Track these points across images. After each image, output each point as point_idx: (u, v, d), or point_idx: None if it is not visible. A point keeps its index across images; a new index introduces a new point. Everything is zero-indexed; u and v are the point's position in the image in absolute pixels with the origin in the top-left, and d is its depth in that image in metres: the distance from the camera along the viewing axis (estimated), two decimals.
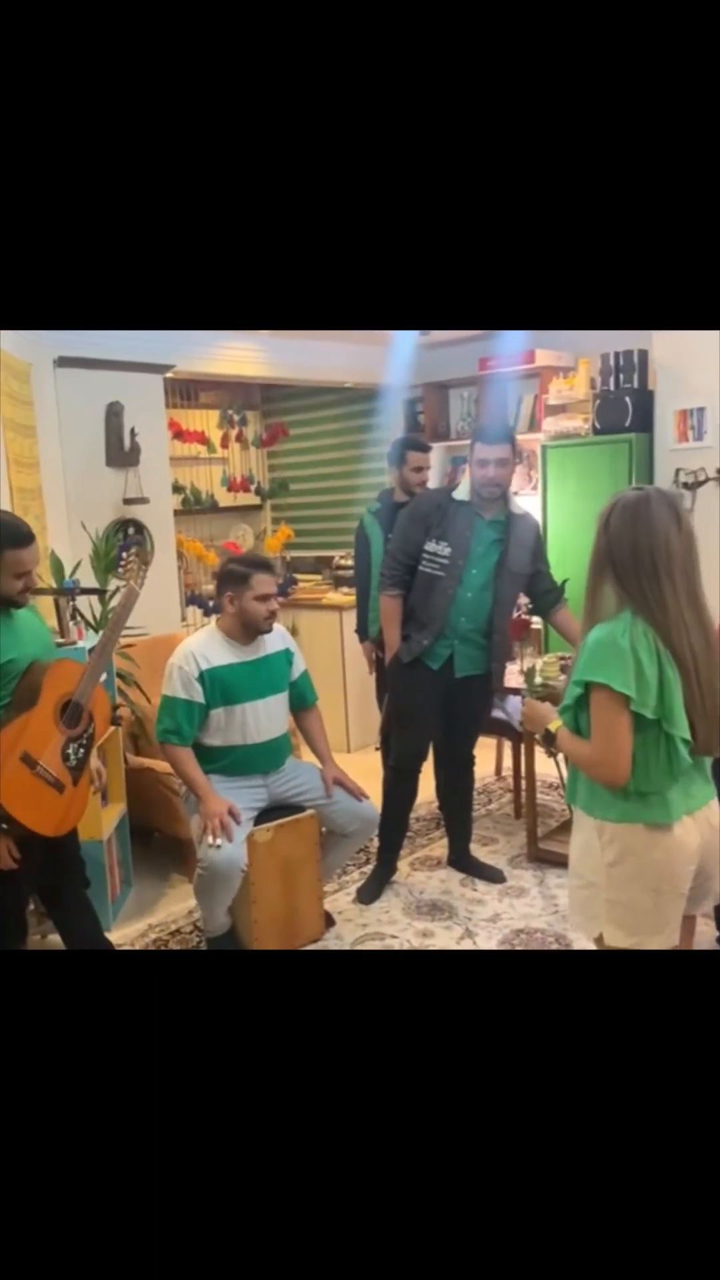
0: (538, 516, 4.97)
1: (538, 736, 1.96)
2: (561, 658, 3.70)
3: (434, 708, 3.31)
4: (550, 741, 1.90)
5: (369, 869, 3.55)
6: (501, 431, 3.15)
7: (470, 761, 3.57)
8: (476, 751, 3.59)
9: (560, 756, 1.93)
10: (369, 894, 3.41)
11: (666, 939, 1.82)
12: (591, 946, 1.97)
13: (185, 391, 5.71)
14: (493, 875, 3.50)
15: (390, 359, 5.38)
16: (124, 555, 2.63)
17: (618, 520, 1.79)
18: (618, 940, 1.84)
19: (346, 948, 3.05)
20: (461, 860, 3.60)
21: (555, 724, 1.89)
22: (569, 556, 4.73)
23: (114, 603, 2.77)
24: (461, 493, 3.17)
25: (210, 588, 5.62)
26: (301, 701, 3.12)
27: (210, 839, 2.72)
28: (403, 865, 3.65)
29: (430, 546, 3.16)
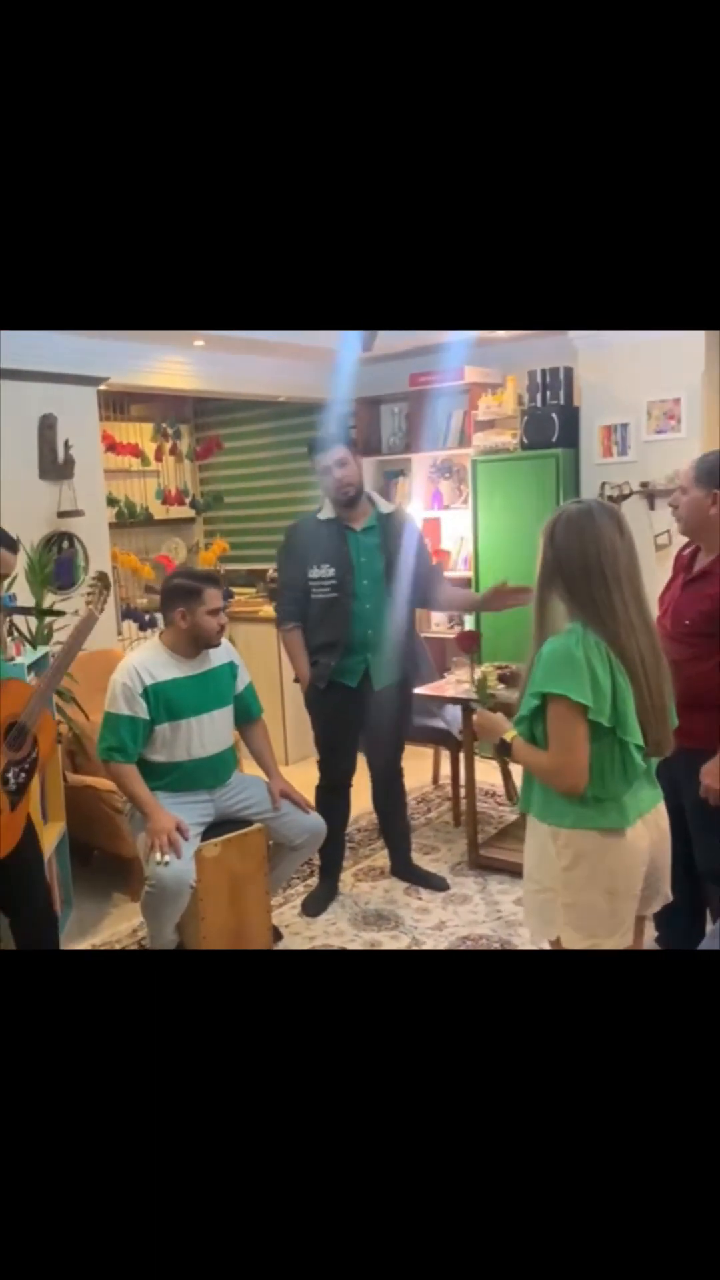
0: (467, 529, 5.09)
1: (484, 747, 1.99)
2: (499, 667, 3.75)
3: (357, 724, 3.32)
4: (505, 751, 1.92)
5: (313, 881, 3.54)
6: (330, 439, 3.24)
7: (399, 771, 3.58)
8: (414, 760, 3.62)
9: (509, 765, 1.97)
10: (315, 907, 3.40)
11: (622, 939, 1.86)
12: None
13: (117, 404, 5.63)
14: (436, 883, 3.51)
15: (323, 373, 5.39)
16: (92, 580, 2.60)
17: (564, 533, 1.83)
18: (575, 942, 1.87)
19: None
20: (404, 869, 3.61)
21: (510, 734, 1.91)
22: (499, 568, 4.81)
23: (61, 627, 2.70)
24: (326, 512, 3.23)
25: (144, 601, 5.54)
26: (247, 714, 3.10)
27: (159, 856, 2.67)
28: (346, 876, 3.65)
29: (314, 573, 3.19)
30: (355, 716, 3.29)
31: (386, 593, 3.20)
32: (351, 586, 3.16)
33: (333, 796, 3.38)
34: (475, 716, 2.06)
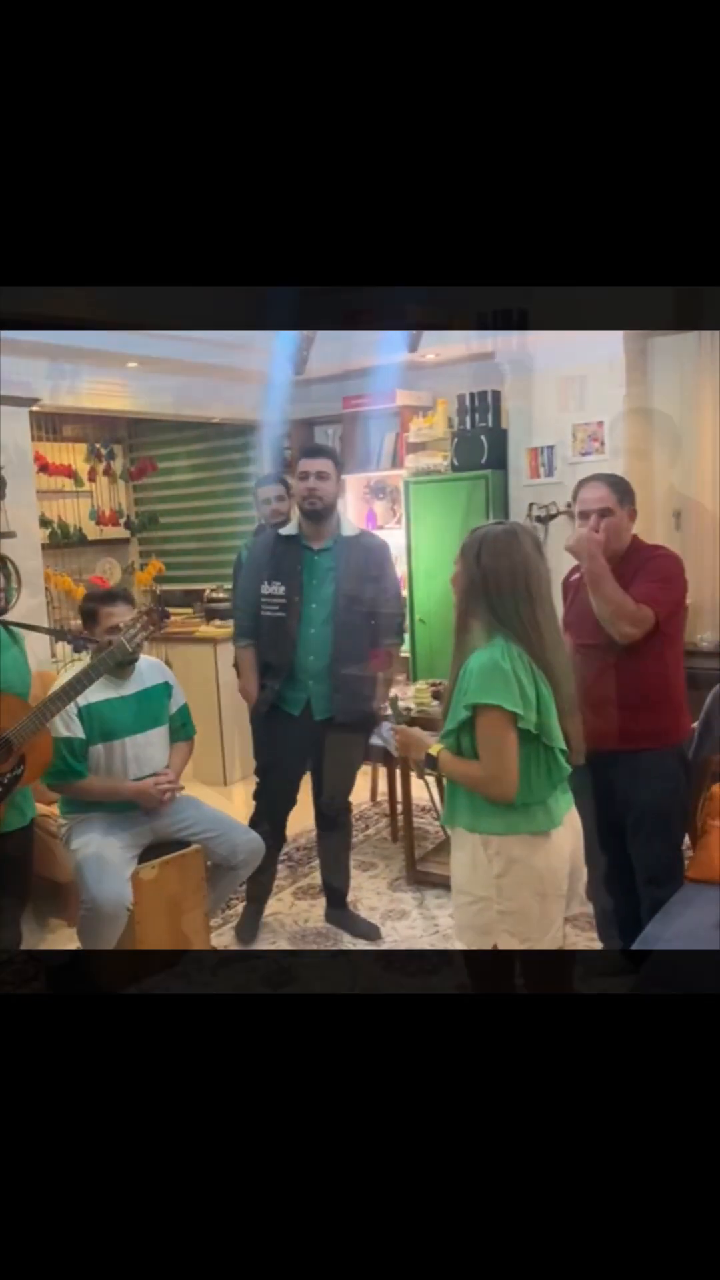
0: (400, 547, 5.11)
1: (414, 761, 2.00)
2: (433, 684, 3.77)
3: (298, 756, 3.17)
4: (433, 765, 1.93)
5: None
6: (320, 448, 3.15)
7: (344, 810, 3.35)
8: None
9: (433, 780, 1.99)
10: (247, 933, 3.26)
11: (554, 938, 1.92)
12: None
13: (50, 425, 5.55)
14: (368, 932, 3.25)
15: (257, 395, 5.39)
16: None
17: (489, 554, 1.89)
18: (512, 946, 1.91)
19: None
20: (337, 915, 3.36)
21: (436, 748, 1.94)
22: (434, 586, 4.86)
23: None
24: (290, 528, 3.13)
25: (78, 624, 5.44)
26: (177, 735, 3.05)
27: (166, 796, 2.81)
28: (285, 895, 3.61)
29: (265, 589, 3.08)
30: (295, 747, 3.15)
31: (336, 620, 3.03)
32: (299, 608, 3.02)
33: (264, 824, 3.20)
34: (395, 734, 2.08)
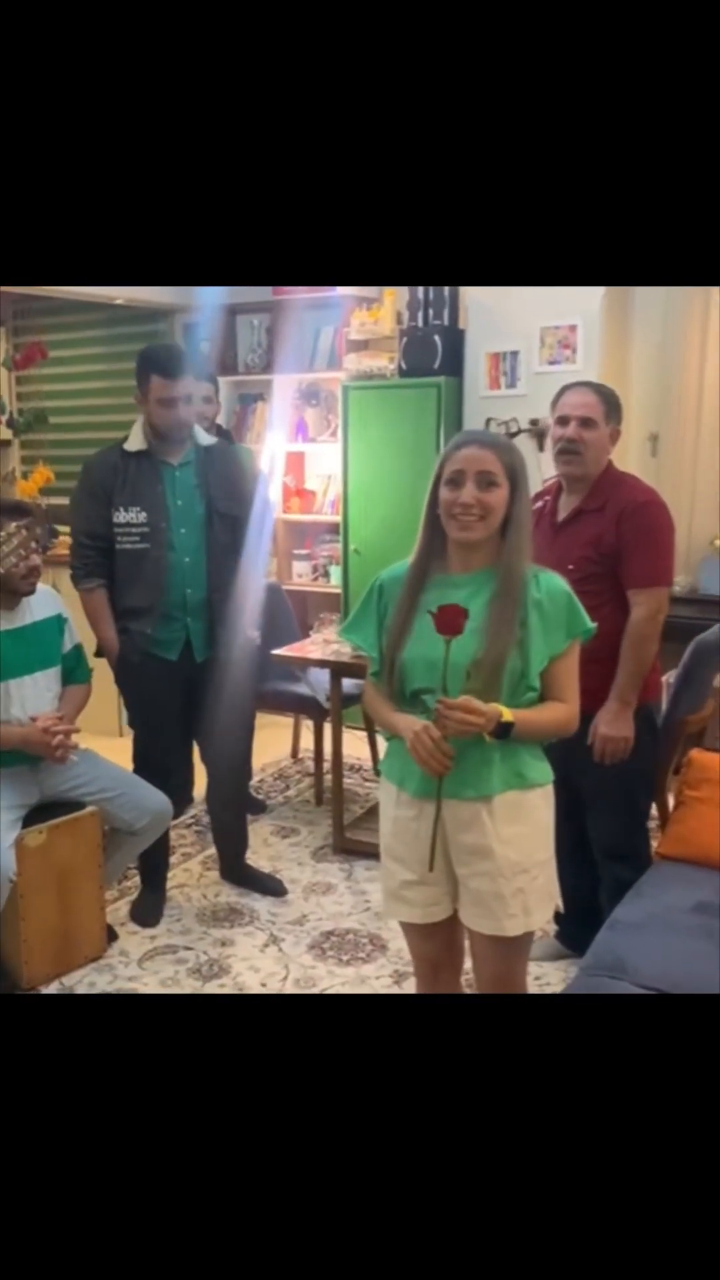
0: (335, 464, 5.03)
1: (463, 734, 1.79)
2: None
3: (178, 703, 3.09)
4: (506, 733, 1.79)
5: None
6: (181, 364, 2.94)
7: (239, 760, 3.37)
8: (272, 730, 3.54)
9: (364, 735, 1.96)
10: (147, 916, 3.21)
11: None
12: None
13: None
14: (273, 887, 3.37)
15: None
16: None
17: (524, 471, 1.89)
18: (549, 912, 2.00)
19: (133, 964, 2.95)
20: (234, 872, 3.44)
21: (508, 713, 1.79)
22: (373, 510, 4.79)
23: None
24: (135, 443, 2.98)
25: None
26: (69, 678, 2.96)
27: (59, 746, 2.73)
28: (194, 866, 3.59)
29: (120, 518, 2.94)
30: (173, 696, 3.08)
31: (210, 544, 2.98)
32: (166, 535, 2.93)
33: (147, 770, 3.11)
34: (466, 714, 1.74)
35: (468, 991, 2.18)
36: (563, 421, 2.60)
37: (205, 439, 3.09)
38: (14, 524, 2.56)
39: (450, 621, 1.71)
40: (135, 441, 2.98)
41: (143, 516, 2.93)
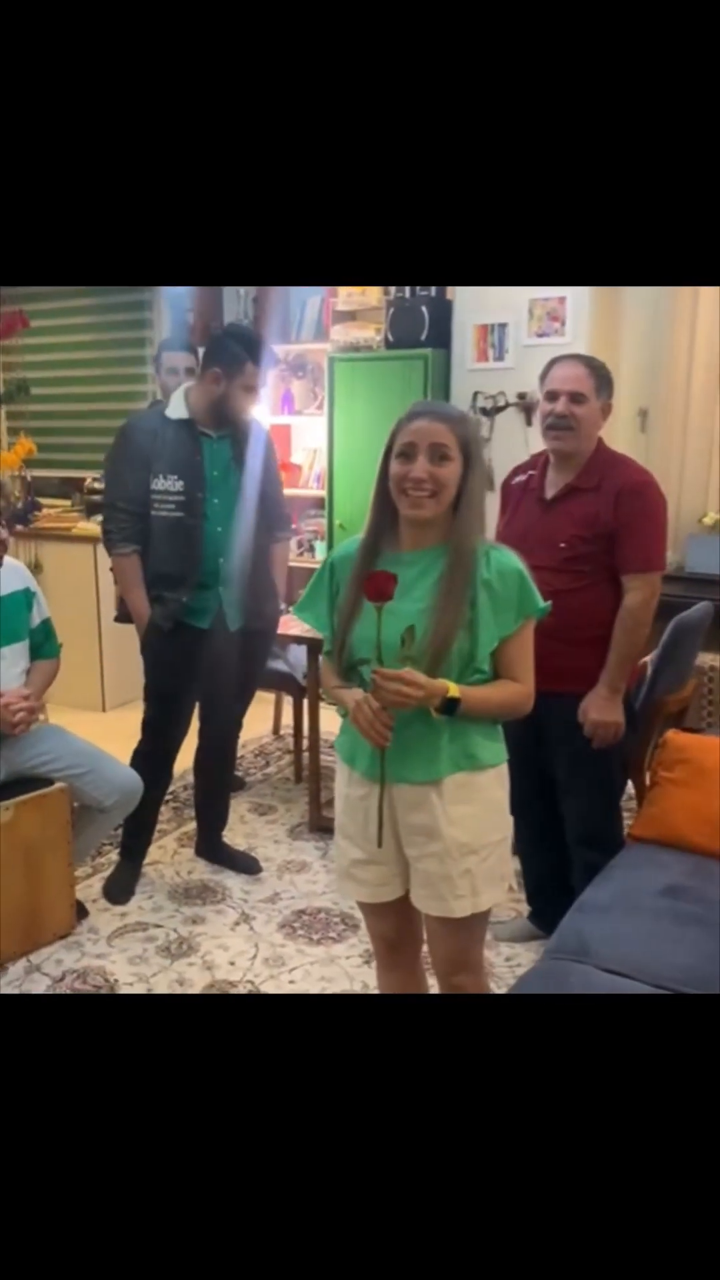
0: (321, 437, 4.98)
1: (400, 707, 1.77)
2: None
3: (198, 674, 3.13)
4: (451, 709, 1.75)
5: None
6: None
7: (233, 735, 3.43)
8: (253, 707, 3.53)
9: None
10: (119, 891, 3.20)
11: None
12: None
13: None
14: (247, 865, 3.38)
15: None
16: None
17: (479, 448, 1.84)
18: (505, 891, 1.98)
19: (102, 941, 2.94)
20: (211, 849, 3.44)
21: (454, 689, 1.75)
22: (358, 484, 4.74)
23: None
24: (177, 410, 2.98)
25: None
26: (37, 653, 2.94)
27: (20, 722, 2.75)
28: (169, 842, 3.58)
29: (159, 485, 2.95)
30: (199, 665, 3.09)
31: (242, 515, 3.01)
32: (202, 505, 2.94)
33: (154, 763, 3.15)
34: (402, 685, 1.71)
35: (427, 970, 2.16)
36: (552, 396, 2.55)
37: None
38: None
39: (380, 588, 1.68)
40: (177, 410, 2.98)
41: (179, 485, 2.93)
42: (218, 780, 3.42)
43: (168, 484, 2.94)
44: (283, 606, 3.26)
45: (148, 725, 3.19)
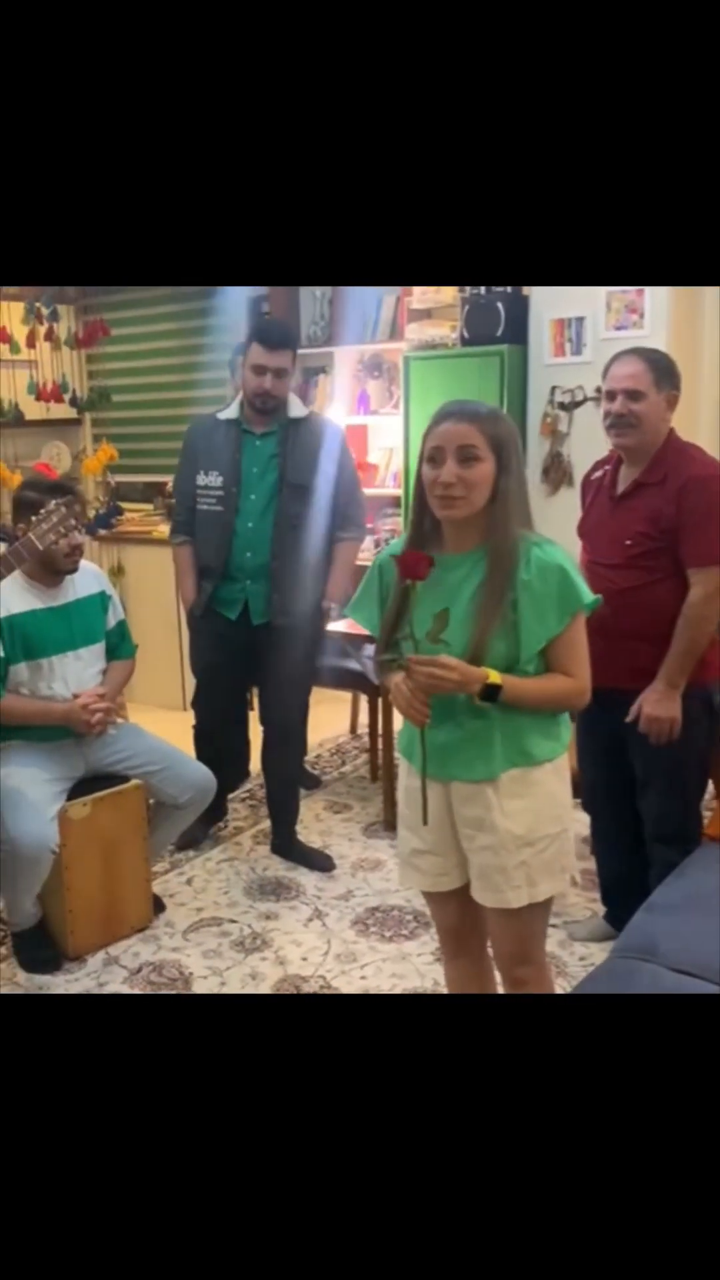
0: (397, 437, 5.00)
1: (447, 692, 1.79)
2: None
3: (236, 664, 3.26)
4: (492, 696, 1.76)
5: (206, 846, 3.56)
6: (283, 335, 3.11)
7: (292, 730, 3.47)
8: (331, 705, 3.58)
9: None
10: (188, 837, 3.44)
11: None
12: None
13: None
14: (321, 863, 3.42)
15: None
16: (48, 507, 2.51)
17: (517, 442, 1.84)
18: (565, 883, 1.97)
19: (178, 935, 3.01)
20: (284, 846, 3.50)
21: (494, 675, 1.76)
22: None
23: None
24: (229, 411, 3.17)
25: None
26: (114, 654, 3.02)
27: (98, 723, 2.81)
28: (245, 840, 3.63)
29: (201, 480, 3.15)
30: (232, 655, 3.24)
31: (278, 512, 3.10)
32: (236, 500, 3.09)
33: (204, 743, 3.37)
34: (434, 668, 1.72)
35: (492, 962, 2.16)
36: (610, 395, 2.53)
37: (298, 411, 3.19)
38: (54, 502, 2.60)
39: (412, 567, 1.72)
40: (230, 410, 3.16)
41: (219, 480, 3.11)
42: (280, 775, 3.47)
43: (209, 480, 3.14)
44: (334, 607, 3.30)
45: (193, 703, 3.46)
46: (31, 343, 5.33)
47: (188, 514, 3.23)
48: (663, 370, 2.54)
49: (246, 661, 3.24)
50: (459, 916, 2.04)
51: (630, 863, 2.78)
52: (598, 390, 4.43)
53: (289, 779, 3.52)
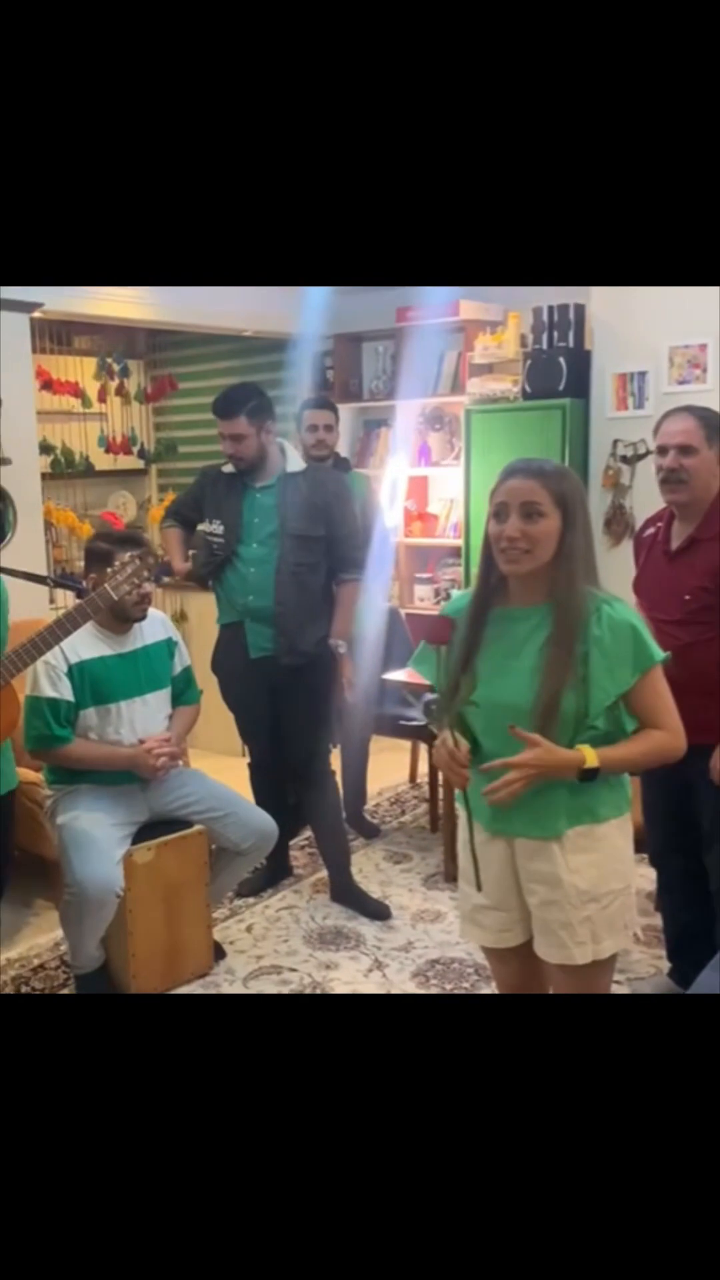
0: (458, 489, 5.05)
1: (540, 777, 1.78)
2: None
3: (254, 699, 3.38)
4: (591, 777, 1.79)
5: (266, 894, 3.58)
6: (225, 405, 3.25)
7: (317, 772, 3.46)
8: (391, 755, 3.60)
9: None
10: (252, 885, 3.56)
11: None
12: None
13: (57, 335, 5.56)
14: (378, 910, 3.43)
15: (294, 305, 5.32)
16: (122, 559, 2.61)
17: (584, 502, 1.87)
18: (628, 939, 1.97)
19: (238, 982, 3.02)
20: (339, 891, 3.53)
21: (592, 758, 1.77)
22: None
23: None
24: (229, 466, 3.35)
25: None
26: (179, 700, 3.08)
27: (164, 764, 2.87)
28: (304, 887, 3.65)
29: (204, 527, 3.40)
30: (249, 690, 3.37)
31: (279, 559, 3.22)
32: (236, 546, 3.27)
33: (257, 774, 3.56)
34: (533, 757, 1.74)
35: None
36: (662, 450, 2.56)
37: (294, 465, 3.33)
38: (127, 554, 2.68)
39: (437, 633, 1.84)
40: (230, 465, 3.34)
41: (221, 529, 3.32)
42: (315, 821, 3.55)
43: (214, 527, 3.35)
44: (340, 644, 3.38)
45: (240, 735, 3.64)
46: (103, 397, 5.50)
47: (187, 509, 3.49)
48: (714, 427, 2.56)
49: (268, 700, 3.36)
50: (521, 973, 2.03)
51: (698, 917, 2.75)
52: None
53: (332, 827, 3.53)
